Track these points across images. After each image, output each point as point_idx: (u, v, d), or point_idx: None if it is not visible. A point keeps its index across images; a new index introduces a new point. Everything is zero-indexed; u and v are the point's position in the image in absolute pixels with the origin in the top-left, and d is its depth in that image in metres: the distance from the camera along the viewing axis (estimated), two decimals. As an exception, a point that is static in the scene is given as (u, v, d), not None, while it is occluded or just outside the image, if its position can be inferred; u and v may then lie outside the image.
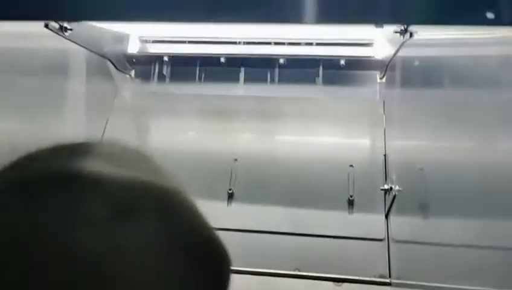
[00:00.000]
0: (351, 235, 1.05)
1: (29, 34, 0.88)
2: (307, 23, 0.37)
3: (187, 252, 0.27)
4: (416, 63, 1.10)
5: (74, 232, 0.23)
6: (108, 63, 1.17)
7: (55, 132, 0.99)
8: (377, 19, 0.51)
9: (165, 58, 1.29)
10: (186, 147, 1.21)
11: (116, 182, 0.26)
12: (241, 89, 1.31)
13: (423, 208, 0.97)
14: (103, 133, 1.19)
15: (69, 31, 0.92)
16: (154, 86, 1.32)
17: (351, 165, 1.14)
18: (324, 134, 1.23)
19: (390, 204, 1.05)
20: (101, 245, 0.23)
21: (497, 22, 0.36)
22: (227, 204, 1.13)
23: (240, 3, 0.41)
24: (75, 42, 0.98)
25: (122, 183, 0.26)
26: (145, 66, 1.31)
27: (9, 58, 0.83)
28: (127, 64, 1.27)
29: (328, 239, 1.05)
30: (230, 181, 1.15)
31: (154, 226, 0.25)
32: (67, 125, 1.04)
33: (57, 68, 1.01)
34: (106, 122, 1.19)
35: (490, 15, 0.36)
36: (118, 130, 1.17)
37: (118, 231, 0.24)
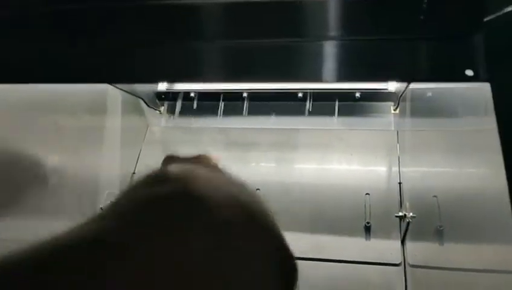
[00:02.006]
0: (368, 260, 1.09)
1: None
2: (327, 81, 0.45)
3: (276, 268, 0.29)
4: (429, 94, 1.16)
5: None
6: (141, 101, 1.27)
7: (95, 162, 1.10)
8: (378, 78, 0.59)
9: (192, 95, 1.39)
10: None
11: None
12: (261, 122, 1.38)
13: (438, 234, 0.99)
14: (136, 163, 1.29)
15: (108, 75, 1.02)
16: (181, 120, 1.41)
17: (367, 193, 1.19)
18: (341, 163, 1.28)
19: (406, 230, 1.09)
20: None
21: (475, 79, 0.43)
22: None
23: (266, 67, 0.50)
24: (111, 84, 1.08)
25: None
26: (174, 102, 1.41)
27: (57, 97, 0.95)
28: (157, 101, 1.37)
29: (345, 264, 1.09)
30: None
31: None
32: (105, 157, 1.14)
33: (97, 107, 1.12)
34: (139, 154, 1.29)
35: (469, 72, 0.43)
36: (149, 161, 1.26)
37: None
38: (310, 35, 0.48)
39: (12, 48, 0.68)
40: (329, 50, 0.47)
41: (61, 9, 0.69)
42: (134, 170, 1.27)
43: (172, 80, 0.81)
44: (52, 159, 0.98)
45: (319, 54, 0.46)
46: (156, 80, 0.78)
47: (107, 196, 1.11)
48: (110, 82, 0.86)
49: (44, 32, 0.69)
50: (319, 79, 0.45)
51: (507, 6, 0.43)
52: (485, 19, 0.43)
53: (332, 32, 0.48)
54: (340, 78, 0.45)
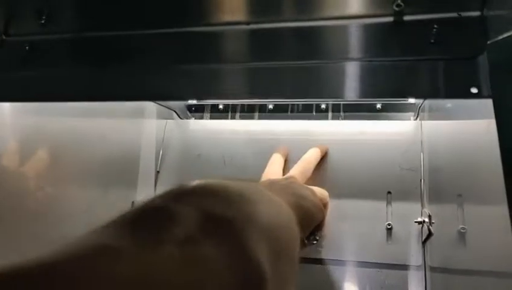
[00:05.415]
0: (389, 262, 1.10)
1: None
2: (349, 99, 0.52)
3: None
4: (449, 105, 1.19)
5: None
6: (173, 113, 1.37)
7: (134, 160, 1.21)
8: (394, 96, 0.65)
9: (220, 107, 1.47)
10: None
11: None
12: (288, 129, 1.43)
13: (461, 235, 1.00)
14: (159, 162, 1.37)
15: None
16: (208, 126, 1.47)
17: (389, 192, 1.16)
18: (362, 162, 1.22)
19: (428, 232, 1.08)
20: None
21: (479, 96, 0.49)
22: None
23: (293, 86, 0.57)
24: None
25: None
26: (203, 113, 1.49)
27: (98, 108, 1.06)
28: (188, 113, 1.45)
29: (366, 266, 1.11)
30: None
31: None
32: (142, 157, 1.25)
33: (136, 116, 1.23)
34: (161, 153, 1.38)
35: (474, 90, 0.49)
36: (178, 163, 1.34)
37: None
38: (331, 58, 0.55)
39: (65, 71, 0.78)
40: (350, 70, 0.54)
41: (100, 37, 0.78)
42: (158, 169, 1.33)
43: (200, 98, 0.90)
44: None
45: (339, 73, 0.53)
46: (188, 98, 0.87)
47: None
48: (149, 100, 0.95)
49: (86, 58, 0.78)
50: (340, 96, 0.52)
51: (507, 31, 0.49)
52: (488, 42, 0.49)
53: (352, 55, 0.55)
54: (360, 96, 0.52)
